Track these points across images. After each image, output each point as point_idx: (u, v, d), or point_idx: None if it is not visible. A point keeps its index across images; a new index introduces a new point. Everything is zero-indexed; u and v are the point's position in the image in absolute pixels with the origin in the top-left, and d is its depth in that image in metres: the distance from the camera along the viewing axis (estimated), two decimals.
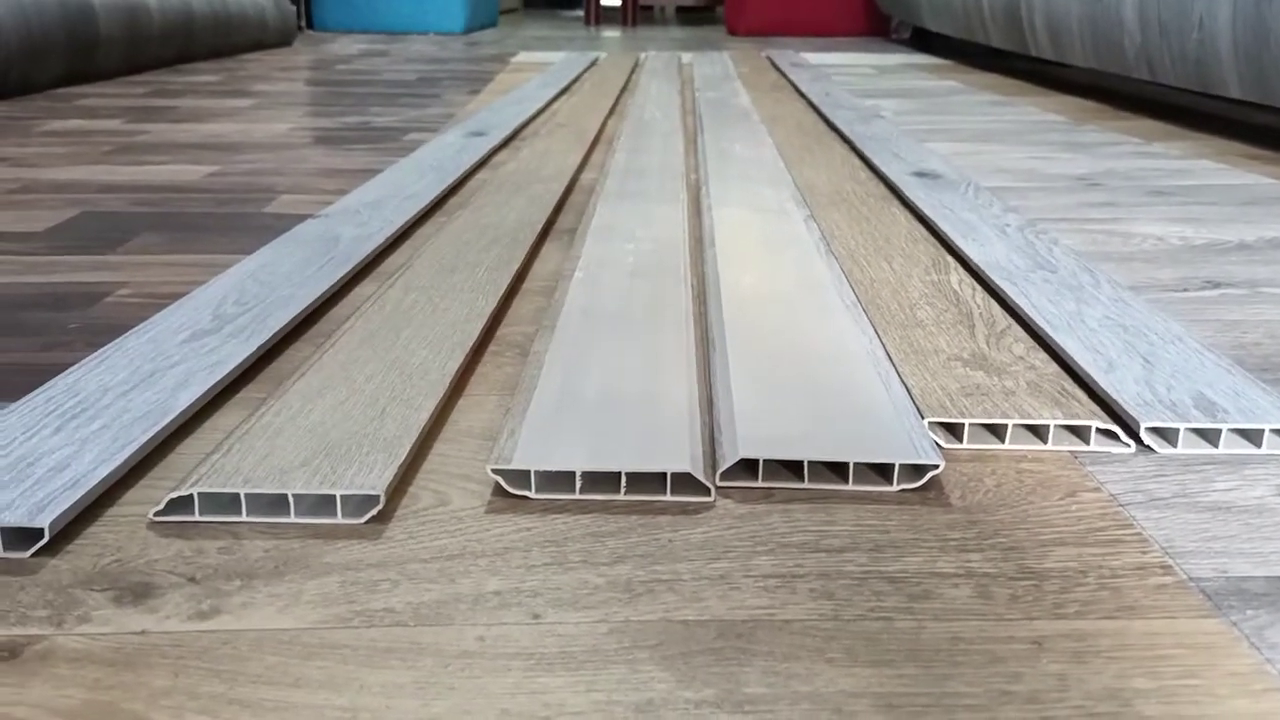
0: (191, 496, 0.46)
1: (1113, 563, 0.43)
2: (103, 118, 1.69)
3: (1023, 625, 0.39)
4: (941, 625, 0.38)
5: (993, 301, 0.73)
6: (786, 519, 0.46)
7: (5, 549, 0.43)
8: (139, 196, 1.11)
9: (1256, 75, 1.40)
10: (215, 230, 0.98)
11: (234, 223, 1.01)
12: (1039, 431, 0.54)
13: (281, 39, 3.16)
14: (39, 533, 0.43)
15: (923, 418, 0.53)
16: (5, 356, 0.66)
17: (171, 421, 0.53)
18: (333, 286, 0.76)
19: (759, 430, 0.51)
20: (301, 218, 1.02)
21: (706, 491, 0.48)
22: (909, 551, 0.44)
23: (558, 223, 1.02)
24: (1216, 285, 0.82)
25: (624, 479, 0.48)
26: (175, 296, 0.78)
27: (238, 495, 0.46)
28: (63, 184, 1.18)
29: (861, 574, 0.42)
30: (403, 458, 0.49)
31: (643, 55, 3.01)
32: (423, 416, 0.53)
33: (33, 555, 0.43)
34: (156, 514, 0.46)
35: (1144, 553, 0.44)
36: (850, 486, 0.49)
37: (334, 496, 0.46)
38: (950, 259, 0.84)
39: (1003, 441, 0.53)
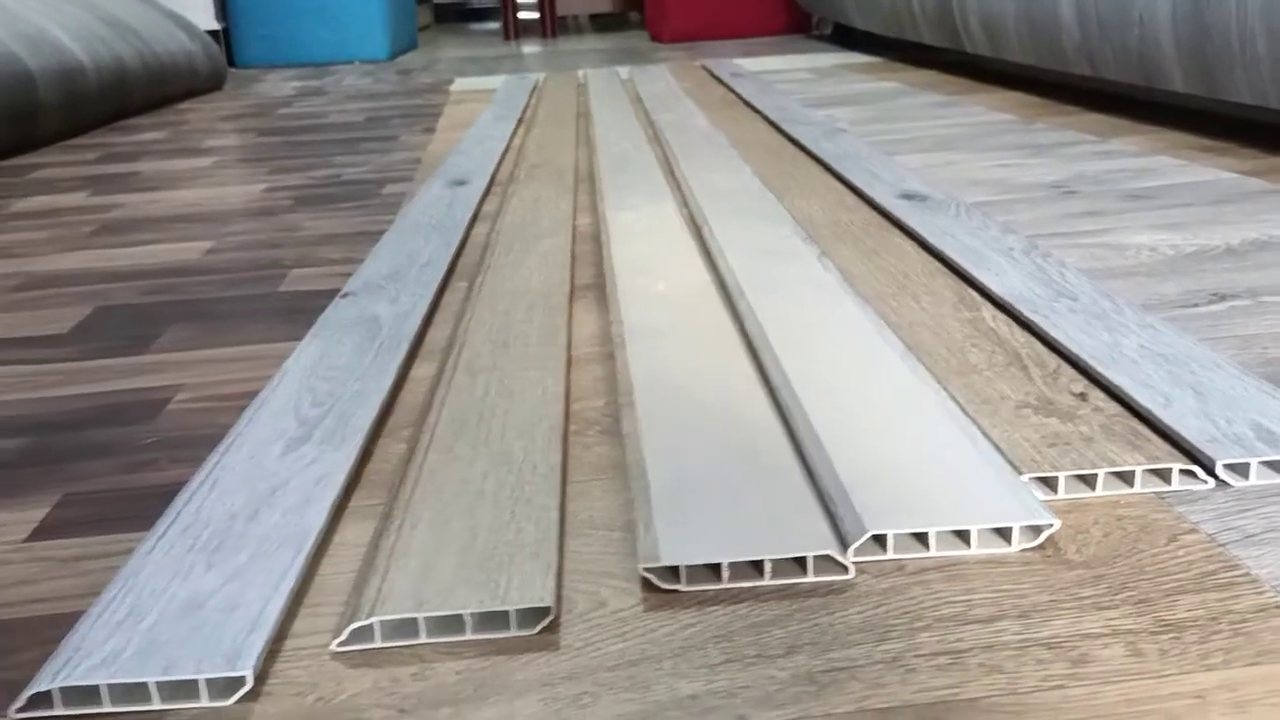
0: (372, 625, 0.48)
1: (1236, 607, 0.47)
2: (66, 191, 1.68)
3: (1182, 680, 0.43)
4: (1112, 689, 0.42)
5: (1033, 338, 0.78)
6: (928, 591, 0.50)
7: (211, 699, 0.45)
8: (147, 284, 1.12)
9: (1200, 69, 1.47)
10: (241, 316, 0.99)
11: (256, 306, 1.02)
12: (1124, 476, 0.58)
13: (212, 83, 3.13)
14: (239, 680, 0.45)
15: (1019, 473, 0.57)
16: (99, 483, 0.67)
17: (312, 545, 0.55)
18: (398, 374, 0.78)
19: (878, 501, 0.55)
20: (320, 294, 1.03)
21: (845, 570, 0.51)
22: (1053, 614, 0.47)
23: (576, 277, 1.04)
24: (1222, 298, 0.87)
25: (768, 565, 0.51)
26: (237, 397, 0.79)
27: (414, 618, 0.49)
28: (62, 275, 1.17)
29: (1020, 643, 0.46)
30: (554, 564, 0.52)
31: (581, 74, 3.03)
32: (554, 516, 0.56)
33: (236, 702, 0.45)
34: (340, 644, 0.48)
35: (1259, 593, 0.48)
36: (974, 551, 0.52)
37: (506, 612, 0.49)
38: (973, 293, 0.89)
39: (1094, 490, 0.57)
